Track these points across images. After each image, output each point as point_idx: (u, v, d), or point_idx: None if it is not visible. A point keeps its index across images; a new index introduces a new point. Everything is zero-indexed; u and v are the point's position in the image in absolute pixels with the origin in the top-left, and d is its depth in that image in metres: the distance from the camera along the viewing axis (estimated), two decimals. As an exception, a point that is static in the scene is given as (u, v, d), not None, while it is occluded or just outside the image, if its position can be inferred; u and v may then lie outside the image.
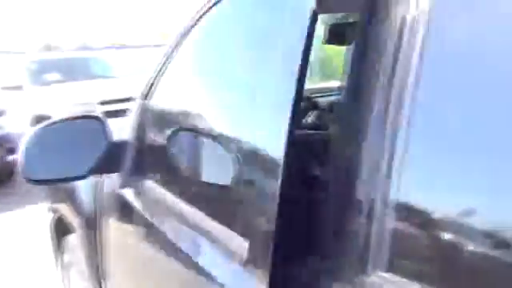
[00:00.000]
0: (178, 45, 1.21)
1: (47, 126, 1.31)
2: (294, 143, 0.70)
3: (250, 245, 0.76)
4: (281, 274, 0.70)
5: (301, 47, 0.71)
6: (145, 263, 1.19)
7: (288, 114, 0.71)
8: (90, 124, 1.30)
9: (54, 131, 1.31)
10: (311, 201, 0.74)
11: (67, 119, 1.34)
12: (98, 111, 6.59)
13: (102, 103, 6.20)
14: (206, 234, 0.90)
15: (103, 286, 1.54)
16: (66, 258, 2.08)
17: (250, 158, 0.86)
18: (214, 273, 0.84)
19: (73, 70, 7.87)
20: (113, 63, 8.61)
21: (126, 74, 7.42)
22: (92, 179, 1.55)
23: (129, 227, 1.33)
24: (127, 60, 8.55)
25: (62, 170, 1.27)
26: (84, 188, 1.64)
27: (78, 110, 5.21)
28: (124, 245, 1.35)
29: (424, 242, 0.59)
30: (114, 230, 1.42)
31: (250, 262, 0.76)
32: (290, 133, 0.71)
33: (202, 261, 0.91)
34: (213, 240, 0.88)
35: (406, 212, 0.60)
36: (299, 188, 0.85)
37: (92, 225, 1.56)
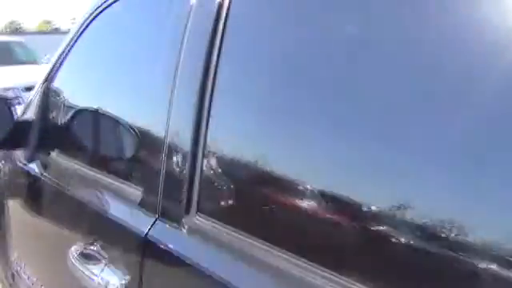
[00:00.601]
0: (78, 33, 1.38)
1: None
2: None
3: (142, 192, 0.98)
4: (164, 211, 0.91)
5: (178, 43, 0.92)
6: (53, 223, 1.36)
7: (168, 96, 0.91)
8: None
9: None
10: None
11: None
12: (24, 97, 6.49)
13: (27, 89, 6.11)
14: (109, 189, 1.11)
15: (10, 252, 1.68)
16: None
17: (140, 131, 1.05)
18: (114, 214, 1.05)
19: (-4, 55, 7.64)
20: (40, 49, 8.40)
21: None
22: None
23: (35, 194, 1.48)
24: (57, 46, 8.38)
25: None
26: None
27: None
28: (31, 210, 1.50)
29: (234, 192, 0.81)
30: (20, 200, 1.57)
31: (142, 203, 0.98)
32: (172, 111, 0.91)
33: (104, 208, 1.11)
34: (115, 192, 1.08)
35: (224, 168, 0.83)
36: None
37: None
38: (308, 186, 0.69)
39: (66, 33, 1.50)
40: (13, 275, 1.68)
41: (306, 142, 0.70)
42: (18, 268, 1.62)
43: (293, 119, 0.73)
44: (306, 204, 0.70)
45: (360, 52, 0.66)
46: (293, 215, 0.72)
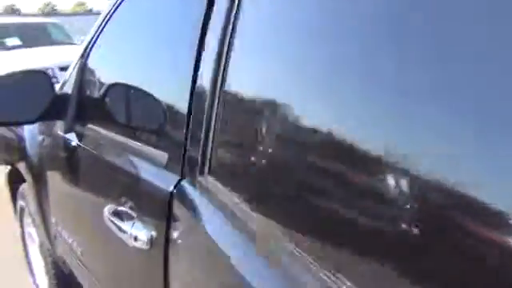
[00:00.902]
0: (111, 12, 1.49)
1: (1, 78, 1.57)
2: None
3: (168, 155, 1.09)
4: (186, 172, 1.01)
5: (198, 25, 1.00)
6: (88, 186, 1.51)
7: (191, 72, 1.00)
8: (37, 78, 1.57)
9: (7, 83, 1.57)
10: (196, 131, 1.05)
11: (18, 73, 1.60)
12: (59, 76, 6.73)
13: (62, 69, 6.33)
14: (139, 154, 1.22)
15: (49, 216, 1.84)
16: (20, 204, 2.37)
17: (168, 104, 1.16)
18: (144, 176, 1.16)
19: (33, 36, 7.88)
20: (75, 29, 8.60)
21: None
22: (38, 138, 1.86)
23: (72, 161, 1.62)
24: (90, 26, 8.58)
25: (14, 115, 1.54)
26: (31, 146, 1.97)
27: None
28: (68, 175, 1.65)
29: (239, 158, 0.90)
30: (58, 167, 1.72)
31: (169, 164, 1.09)
32: (193, 85, 1.01)
33: (135, 171, 1.22)
34: (144, 157, 1.19)
35: (232, 136, 0.92)
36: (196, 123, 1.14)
37: (37, 172, 1.88)
38: (310, 153, 0.68)
39: (98, 14, 1.61)
40: (54, 236, 1.84)
41: (319, 113, 0.68)
42: (58, 230, 1.78)
43: (310, 88, 0.71)
44: (302, 172, 0.70)
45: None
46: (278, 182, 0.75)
